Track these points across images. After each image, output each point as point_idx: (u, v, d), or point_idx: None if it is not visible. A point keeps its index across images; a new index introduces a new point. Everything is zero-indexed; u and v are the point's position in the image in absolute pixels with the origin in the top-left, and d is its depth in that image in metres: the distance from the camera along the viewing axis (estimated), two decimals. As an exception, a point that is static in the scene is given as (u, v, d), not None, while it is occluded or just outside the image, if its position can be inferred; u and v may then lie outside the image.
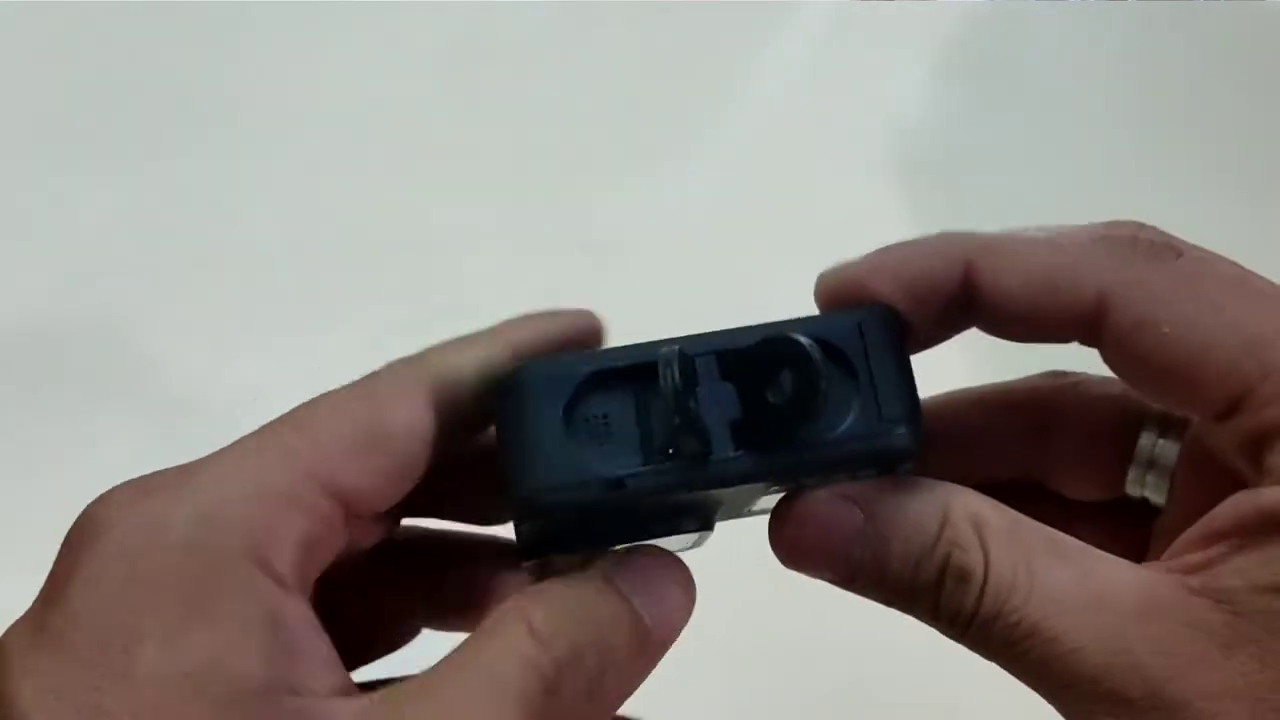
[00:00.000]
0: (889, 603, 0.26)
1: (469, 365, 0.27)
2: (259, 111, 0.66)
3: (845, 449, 0.25)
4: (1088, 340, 0.26)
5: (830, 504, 0.26)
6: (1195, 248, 0.25)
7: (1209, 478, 0.28)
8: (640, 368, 0.25)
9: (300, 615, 0.24)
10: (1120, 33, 0.69)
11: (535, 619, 0.24)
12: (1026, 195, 0.64)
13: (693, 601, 0.26)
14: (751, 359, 0.25)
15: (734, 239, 0.63)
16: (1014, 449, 0.31)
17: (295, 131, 0.65)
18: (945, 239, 0.26)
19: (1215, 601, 0.23)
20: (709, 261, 0.61)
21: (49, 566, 0.25)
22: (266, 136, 0.65)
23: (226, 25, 0.67)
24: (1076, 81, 0.68)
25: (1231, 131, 0.66)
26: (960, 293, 0.26)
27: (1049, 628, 0.24)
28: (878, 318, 0.25)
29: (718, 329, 0.25)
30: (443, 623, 0.32)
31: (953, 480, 0.31)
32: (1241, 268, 0.25)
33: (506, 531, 0.29)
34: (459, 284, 0.60)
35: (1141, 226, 0.27)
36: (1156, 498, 0.29)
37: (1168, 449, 0.29)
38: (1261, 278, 0.25)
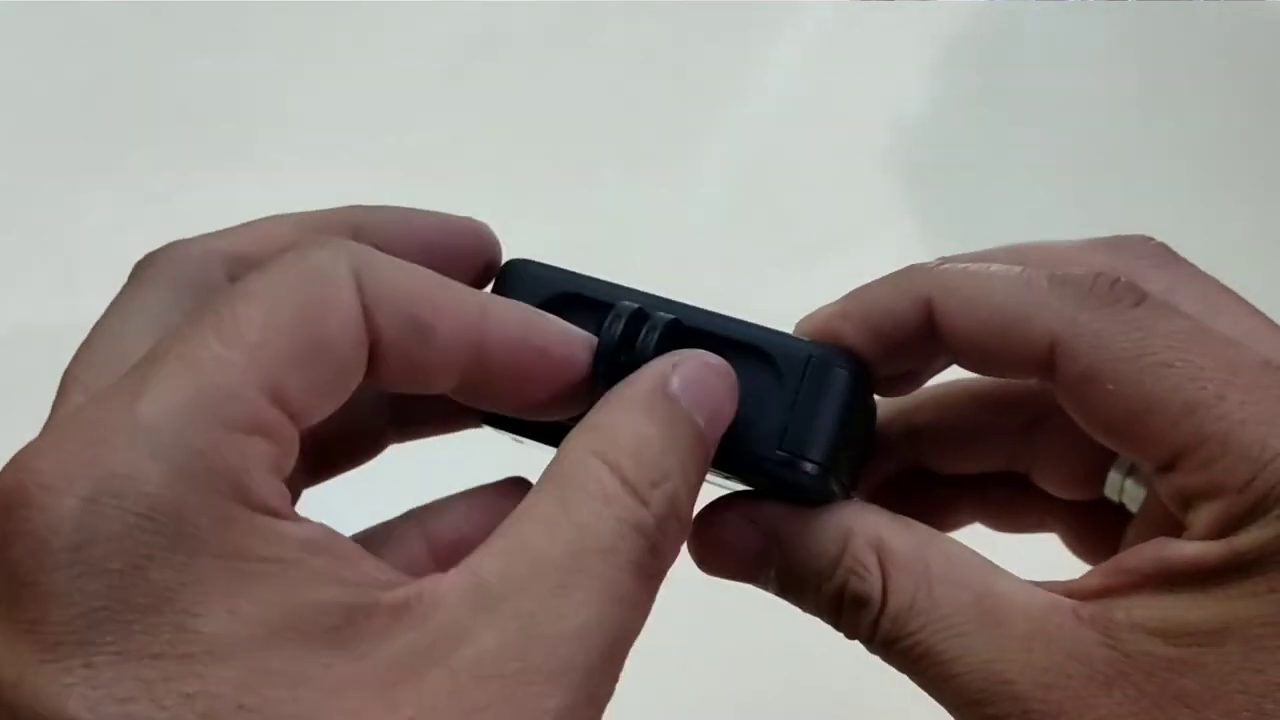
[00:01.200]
0: (805, 609, 0.27)
1: (410, 297, 0.23)
2: (259, 112, 0.66)
3: (754, 463, 0.26)
4: (1046, 380, 0.26)
5: (735, 526, 0.27)
6: (1157, 298, 0.25)
7: None
8: (605, 305, 0.26)
9: (320, 533, 0.22)
10: (1120, 33, 0.69)
11: (625, 468, 0.23)
12: (1026, 195, 0.64)
13: (735, 404, 0.25)
14: (702, 341, 0.26)
15: (734, 239, 0.63)
16: (1003, 443, 0.31)
17: (295, 132, 0.65)
18: (908, 278, 0.27)
19: (1103, 635, 0.24)
20: (709, 261, 0.61)
21: None
22: (266, 136, 0.65)
23: (227, 26, 0.67)
24: (1076, 81, 0.68)
25: (1231, 131, 0.66)
26: (923, 331, 0.26)
27: (941, 651, 0.25)
28: (828, 360, 0.26)
29: (696, 306, 0.27)
30: (414, 432, 0.30)
31: (945, 468, 0.32)
32: (1196, 321, 0.25)
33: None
34: None
35: (1134, 243, 0.27)
36: (1132, 505, 0.30)
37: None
38: (1216, 331, 0.25)
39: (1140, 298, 0.25)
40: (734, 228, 0.63)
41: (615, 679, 0.22)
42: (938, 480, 0.33)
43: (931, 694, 0.25)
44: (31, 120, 0.65)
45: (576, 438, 0.24)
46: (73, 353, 0.26)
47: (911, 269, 0.27)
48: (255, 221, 0.28)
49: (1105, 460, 0.30)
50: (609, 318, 0.26)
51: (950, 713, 0.25)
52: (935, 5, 0.69)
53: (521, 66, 0.68)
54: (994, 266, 0.26)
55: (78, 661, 0.19)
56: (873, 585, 0.25)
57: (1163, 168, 0.64)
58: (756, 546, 0.27)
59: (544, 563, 0.22)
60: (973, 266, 0.26)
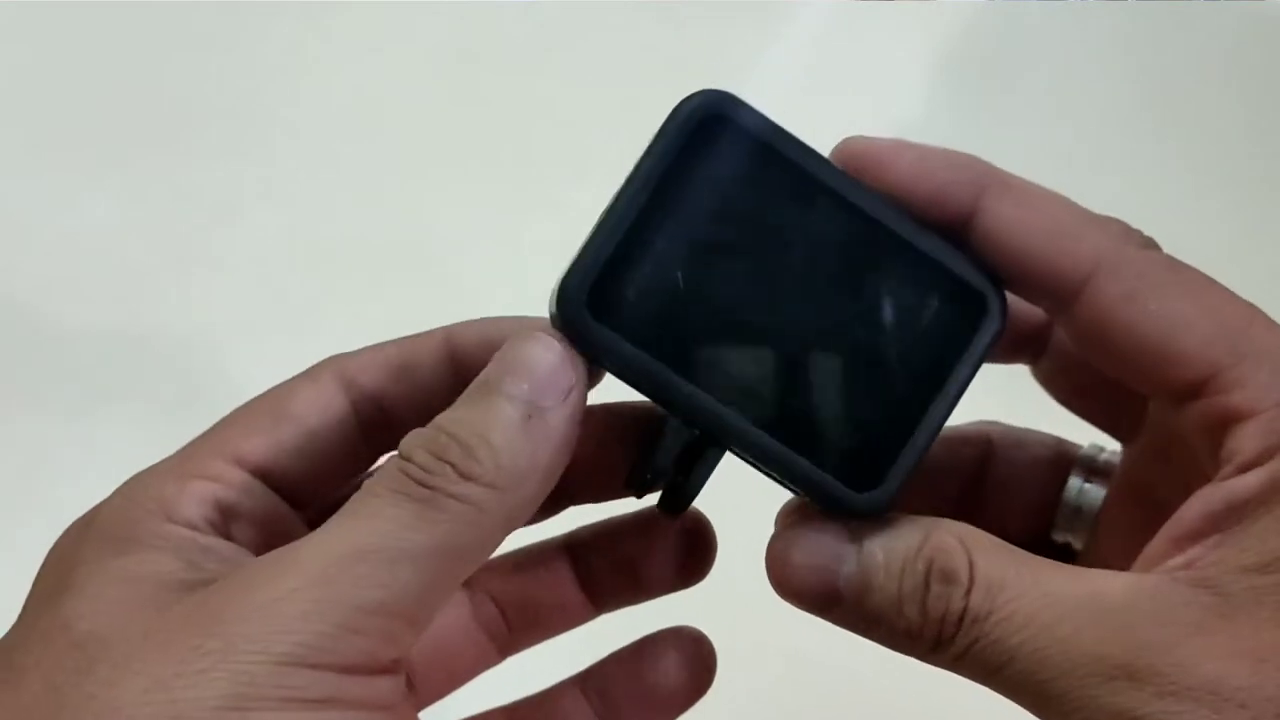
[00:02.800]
0: (872, 629, 0.27)
1: (384, 358, 0.30)
2: (259, 111, 0.66)
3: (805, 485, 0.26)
4: (1057, 307, 0.27)
5: (819, 537, 0.27)
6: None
7: (1134, 518, 0.29)
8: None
9: (221, 545, 0.27)
10: (1120, 33, 0.69)
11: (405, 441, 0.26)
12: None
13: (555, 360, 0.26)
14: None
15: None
16: (954, 483, 0.32)
17: (295, 131, 0.65)
18: (970, 160, 0.27)
19: (1202, 588, 0.24)
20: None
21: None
22: (266, 136, 0.65)
23: (226, 25, 0.67)
24: (1076, 81, 0.68)
25: (1231, 131, 0.66)
26: (964, 214, 0.27)
27: (1044, 619, 0.24)
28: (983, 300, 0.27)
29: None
30: (524, 642, 0.34)
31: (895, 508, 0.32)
32: (1212, 278, 0.27)
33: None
34: (459, 284, 0.60)
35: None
36: (1090, 507, 0.31)
37: (1092, 494, 0.31)
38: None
39: (1159, 249, 0.27)
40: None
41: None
42: None
43: (1022, 676, 0.24)
44: (31, 120, 0.65)
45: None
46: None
47: (971, 156, 0.27)
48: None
49: (1052, 501, 0.31)
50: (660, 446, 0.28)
51: (1045, 689, 0.24)
52: (935, 5, 0.69)
53: (521, 66, 0.68)
54: (1039, 186, 0.27)
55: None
56: (960, 561, 0.25)
57: (1163, 168, 0.64)
58: (842, 542, 0.27)
59: (334, 523, 0.25)
60: (1020, 179, 0.27)
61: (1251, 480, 0.24)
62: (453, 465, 0.25)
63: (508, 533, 0.26)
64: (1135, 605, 0.24)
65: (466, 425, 0.25)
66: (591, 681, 0.33)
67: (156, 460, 0.29)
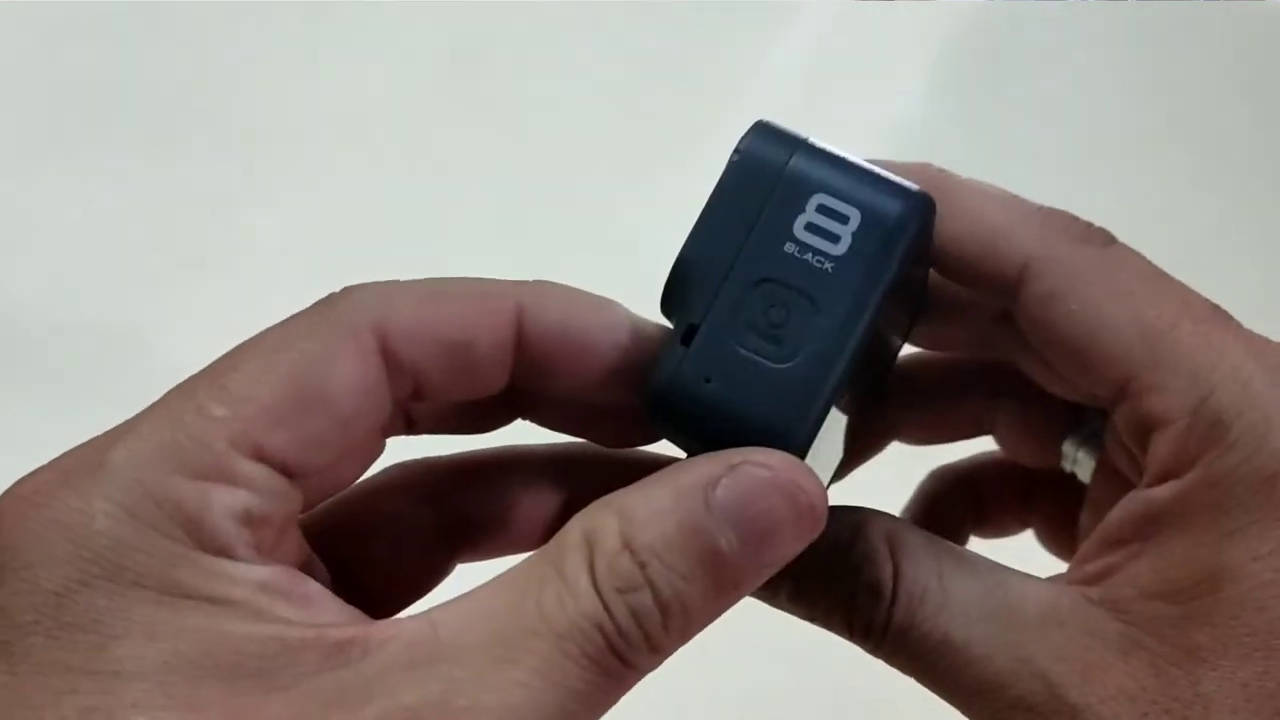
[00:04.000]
0: (809, 616, 0.26)
1: (436, 327, 0.24)
2: (258, 111, 0.66)
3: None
4: (1008, 301, 0.26)
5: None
6: (1124, 244, 0.26)
7: (1117, 485, 0.29)
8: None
9: (279, 575, 0.22)
10: (1120, 33, 0.69)
11: (599, 564, 0.21)
12: (1025, 195, 0.64)
13: (803, 536, 0.23)
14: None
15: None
16: (970, 411, 0.32)
17: (295, 131, 0.65)
18: (920, 167, 0.27)
19: (1112, 611, 0.24)
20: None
21: None
22: (266, 136, 0.65)
23: (226, 25, 0.67)
24: (1076, 81, 0.68)
25: (1231, 131, 0.66)
26: None
27: (958, 637, 0.24)
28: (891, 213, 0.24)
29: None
30: (474, 551, 0.29)
31: (917, 440, 0.33)
32: (1159, 268, 0.26)
33: (521, 439, 0.28)
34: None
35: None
36: (1084, 476, 0.31)
37: (1084, 462, 0.31)
38: (1175, 279, 0.26)
39: (1110, 240, 0.26)
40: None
41: None
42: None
43: (941, 687, 0.25)
44: (31, 119, 0.65)
45: (589, 511, 0.22)
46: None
47: (921, 163, 0.27)
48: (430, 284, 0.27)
49: (1063, 426, 0.31)
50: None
51: (963, 704, 0.25)
52: (935, 5, 0.69)
53: (522, 66, 0.68)
54: (986, 184, 0.27)
55: (2, 666, 0.20)
56: (884, 570, 0.25)
57: (1162, 167, 0.64)
58: None
59: (495, 633, 0.21)
60: (975, 181, 0.27)
61: (1167, 492, 0.24)
62: (647, 637, 0.21)
63: None
64: (1045, 634, 0.24)
65: (673, 584, 0.21)
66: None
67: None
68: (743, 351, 0.23)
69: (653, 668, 0.22)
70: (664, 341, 0.24)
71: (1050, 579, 0.26)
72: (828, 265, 0.23)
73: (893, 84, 0.67)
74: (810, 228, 0.24)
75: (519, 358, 0.25)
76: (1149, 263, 0.26)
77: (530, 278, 0.27)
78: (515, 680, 0.20)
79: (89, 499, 0.21)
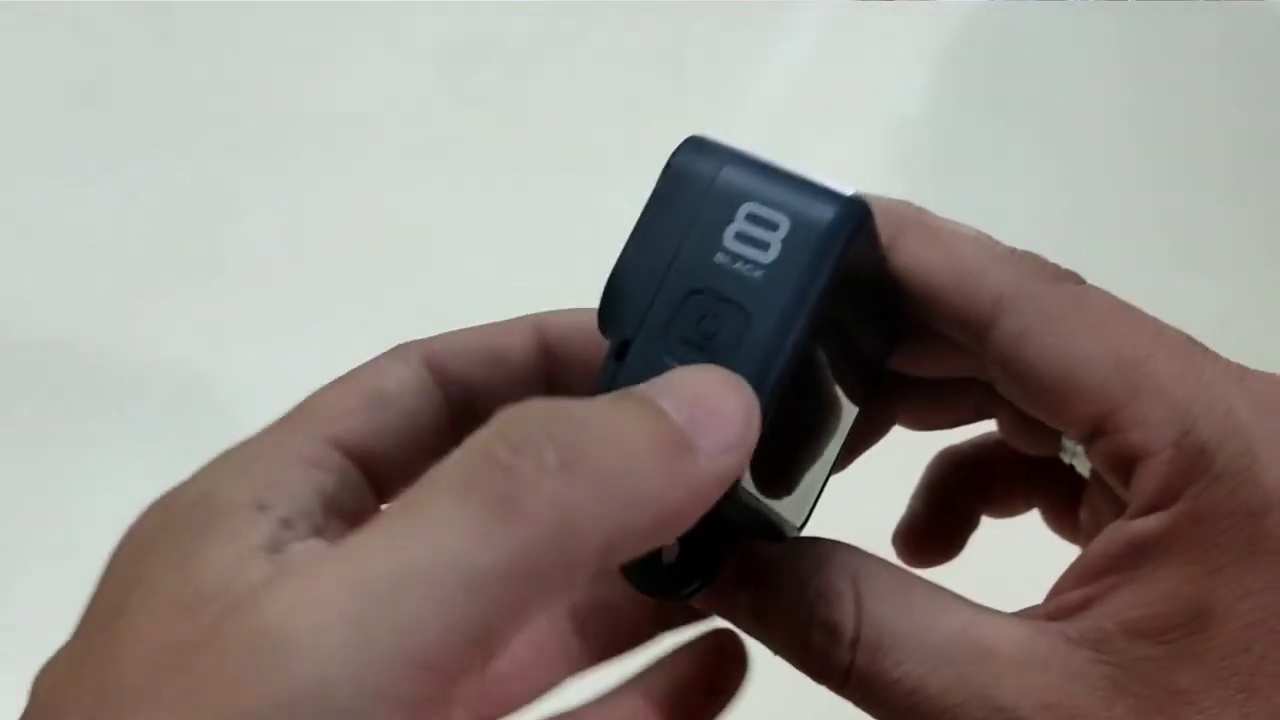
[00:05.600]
0: (767, 644, 0.26)
1: (472, 342, 0.26)
2: (258, 111, 0.66)
3: None
4: (977, 343, 0.26)
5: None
6: (1094, 285, 0.26)
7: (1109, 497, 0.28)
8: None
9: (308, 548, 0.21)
10: (1120, 34, 0.69)
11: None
12: (1025, 195, 0.64)
13: (743, 419, 0.21)
14: None
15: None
16: (972, 396, 0.31)
17: (294, 131, 0.65)
18: (897, 205, 0.27)
19: (1094, 652, 0.24)
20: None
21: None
22: (266, 136, 0.65)
23: (226, 25, 0.67)
24: (1076, 82, 0.68)
25: (1231, 132, 0.66)
26: (883, 258, 0.26)
27: (930, 683, 0.24)
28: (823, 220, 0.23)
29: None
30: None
31: (917, 424, 0.32)
32: (1128, 303, 0.26)
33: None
34: (459, 284, 0.60)
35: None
36: (1083, 470, 0.30)
37: (1082, 464, 0.30)
38: (1146, 313, 0.26)
39: (1081, 281, 0.26)
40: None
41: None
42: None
43: None
44: (30, 120, 0.65)
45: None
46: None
47: (900, 201, 0.27)
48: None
49: None
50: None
51: None
52: (935, 5, 0.69)
53: (522, 66, 0.68)
54: (962, 225, 0.27)
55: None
56: (844, 612, 0.24)
57: (1162, 168, 0.64)
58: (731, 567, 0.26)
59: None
60: (951, 221, 0.27)
61: (1151, 525, 0.24)
62: (554, 449, 0.19)
63: (601, 567, 0.19)
64: (1024, 679, 0.24)
65: (586, 411, 0.20)
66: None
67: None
68: (674, 364, 0.22)
69: (589, 505, 0.19)
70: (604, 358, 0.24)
71: (1025, 612, 0.25)
72: (758, 273, 0.23)
73: (893, 84, 0.67)
74: (740, 237, 0.23)
75: (550, 363, 0.26)
76: (1119, 299, 0.26)
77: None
78: (390, 529, 0.19)
79: (180, 492, 0.23)
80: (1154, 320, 0.25)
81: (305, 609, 0.18)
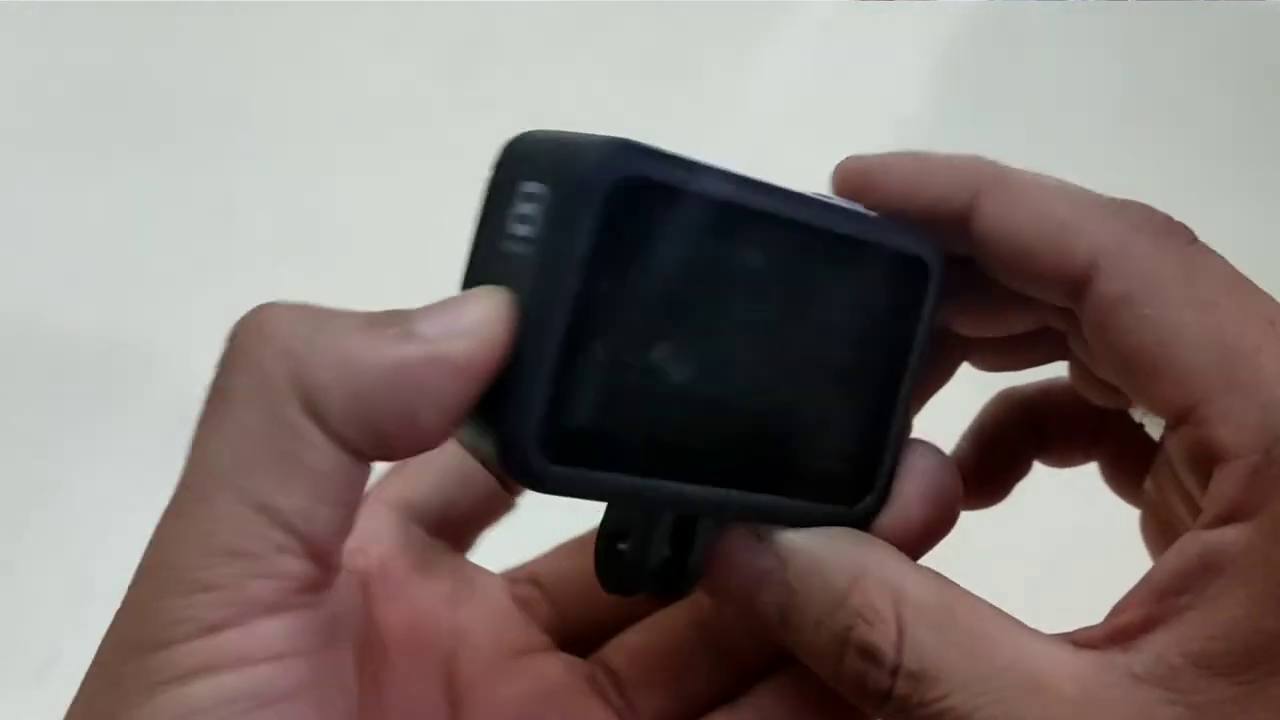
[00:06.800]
0: (806, 661, 0.24)
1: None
2: (258, 111, 0.66)
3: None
4: (1069, 303, 0.24)
5: (743, 545, 0.24)
6: (1206, 245, 0.24)
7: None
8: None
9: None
10: (1120, 33, 0.69)
11: None
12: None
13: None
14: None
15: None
16: (1046, 336, 0.28)
17: (294, 131, 0.65)
18: (970, 161, 0.25)
19: (1164, 691, 0.21)
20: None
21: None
22: (266, 136, 0.65)
23: (226, 25, 0.67)
24: (1076, 82, 0.68)
25: (1231, 131, 0.66)
26: (962, 217, 0.24)
27: (980, 719, 0.21)
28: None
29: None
30: None
31: (986, 365, 0.29)
32: (1243, 276, 0.23)
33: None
34: (458, 284, 0.60)
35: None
36: (1154, 431, 0.27)
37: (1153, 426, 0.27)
38: (1262, 291, 0.23)
39: (1193, 238, 0.23)
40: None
41: None
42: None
43: None
44: (31, 120, 0.65)
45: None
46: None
47: (967, 156, 0.25)
48: None
49: None
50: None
51: None
52: (935, 5, 0.69)
53: (522, 66, 0.68)
54: (1049, 178, 0.24)
55: None
56: (884, 635, 0.22)
57: (1162, 167, 0.64)
58: (763, 568, 0.23)
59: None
60: (1029, 173, 0.24)
61: (1227, 538, 0.21)
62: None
63: (330, 416, 0.22)
64: (1083, 714, 0.21)
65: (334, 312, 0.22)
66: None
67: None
68: None
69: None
70: None
71: (1082, 634, 0.23)
72: (529, 251, 0.21)
73: (893, 84, 0.67)
74: (518, 218, 0.22)
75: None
76: (1233, 269, 0.23)
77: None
78: None
79: None
80: (1269, 303, 0.23)
81: None
